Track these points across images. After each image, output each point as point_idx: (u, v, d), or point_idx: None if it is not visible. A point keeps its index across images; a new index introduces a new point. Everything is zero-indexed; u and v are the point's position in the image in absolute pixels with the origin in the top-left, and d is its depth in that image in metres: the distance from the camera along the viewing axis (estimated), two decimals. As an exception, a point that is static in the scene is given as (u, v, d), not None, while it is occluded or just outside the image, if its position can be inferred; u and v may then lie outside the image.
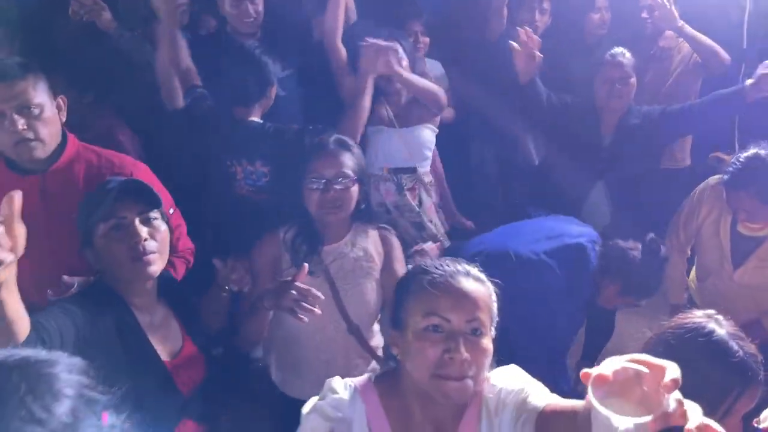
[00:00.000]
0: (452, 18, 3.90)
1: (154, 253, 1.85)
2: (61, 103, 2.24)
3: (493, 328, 1.46)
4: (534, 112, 3.43)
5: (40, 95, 2.14)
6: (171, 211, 2.31)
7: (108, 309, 1.82)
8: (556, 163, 3.56)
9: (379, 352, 2.44)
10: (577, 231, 2.81)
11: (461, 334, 1.39)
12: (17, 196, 1.18)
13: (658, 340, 1.70)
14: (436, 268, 1.48)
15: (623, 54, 3.33)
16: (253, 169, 2.82)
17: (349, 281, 2.35)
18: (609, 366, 1.01)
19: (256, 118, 2.84)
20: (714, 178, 3.03)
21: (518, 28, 3.33)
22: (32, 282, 2.11)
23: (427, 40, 3.73)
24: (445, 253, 2.89)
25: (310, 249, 2.32)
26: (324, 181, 2.26)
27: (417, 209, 3.25)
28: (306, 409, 1.52)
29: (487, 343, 1.42)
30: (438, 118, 3.33)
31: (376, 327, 2.48)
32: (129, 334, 1.84)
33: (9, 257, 1.18)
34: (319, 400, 1.52)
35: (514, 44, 3.19)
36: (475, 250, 2.69)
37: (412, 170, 3.26)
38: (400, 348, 1.48)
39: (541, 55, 3.21)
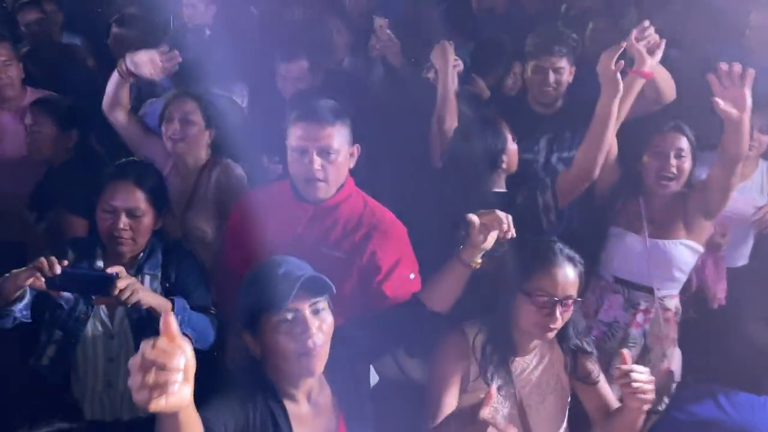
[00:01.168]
0: None
1: (321, 347, 1.73)
2: (355, 151, 2.39)
3: None
4: None
5: (341, 141, 2.31)
6: (412, 276, 2.38)
7: (260, 399, 1.77)
8: None
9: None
10: None
11: None
12: (172, 319, 1.21)
13: None
14: None
15: None
16: None
17: (534, 397, 2.20)
18: None
19: (500, 189, 2.81)
20: None
21: None
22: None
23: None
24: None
25: (502, 360, 2.17)
26: (546, 299, 2.08)
27: (639, 339, 2.83)
28: None
29: None
30: (705, 232, 2.84)
31: None
32: (275, 428, 1.77)
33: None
34: None
35: None
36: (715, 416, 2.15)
37: (648, 290, 2.84)
38: None
39: None
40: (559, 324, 2.10)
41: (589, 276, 2.62)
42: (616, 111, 2.63)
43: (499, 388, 2.12)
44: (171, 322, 1.20)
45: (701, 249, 2.87)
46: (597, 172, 2.73)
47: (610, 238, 2.88)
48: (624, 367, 1.99)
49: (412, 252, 2.43)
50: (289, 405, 1.80)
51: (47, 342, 2.35)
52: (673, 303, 2.90)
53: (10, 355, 2.38)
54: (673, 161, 2.76)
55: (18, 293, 2.09)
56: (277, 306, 1.70)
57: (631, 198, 2.88)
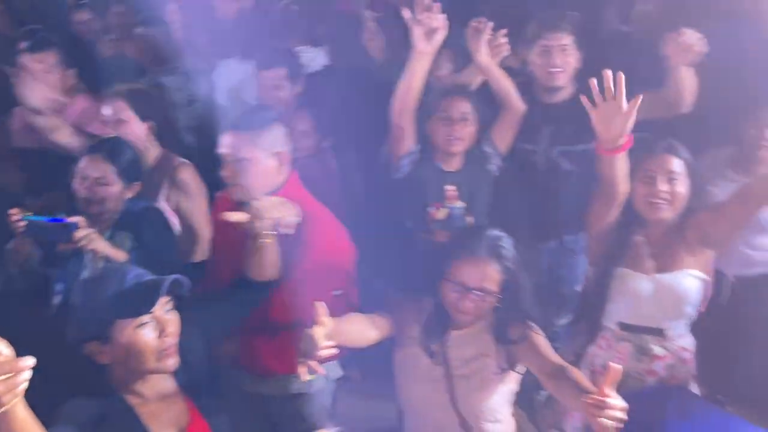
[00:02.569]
0: None
1: (173, 345, 1.79)
2: (284, 158, 2.43)
3: None
4: None
5: (255, 149, 2.35)
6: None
7: (104, 404, 1.75)
8: None
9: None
10: None
11: None
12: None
13: None
14: None
15: None
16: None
17: (466, 372, 2.23)
18: None
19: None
20: None
21: None
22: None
23: None
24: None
25: (439, 333, 2.24)
26: (463, 288, 2.13)
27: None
28: None
29: None
30: (712, 260, 2.56)
31: (498, 428, 2.29)
32: (124, 425, 1.76)
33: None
34: None
35: None
36: None
37: (658, 332, 2.55)
38: None
39: None
40: (469, 313, 2.16)
41: (595, 328, 2.64)
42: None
43: (433, 354, 2.22)
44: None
45: (708, 278, 2.58)
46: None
47: (614, 281, 2.59)
48: (596, 397, 1.74)
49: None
50: (135, 400, 1.80)
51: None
52: (689, 341, 2.63)
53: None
54: (665, 186, 2.49)
55: (25, 253, 2.56)
56: (138, 312, 1.74)
57: (629, 233, 2.61)
